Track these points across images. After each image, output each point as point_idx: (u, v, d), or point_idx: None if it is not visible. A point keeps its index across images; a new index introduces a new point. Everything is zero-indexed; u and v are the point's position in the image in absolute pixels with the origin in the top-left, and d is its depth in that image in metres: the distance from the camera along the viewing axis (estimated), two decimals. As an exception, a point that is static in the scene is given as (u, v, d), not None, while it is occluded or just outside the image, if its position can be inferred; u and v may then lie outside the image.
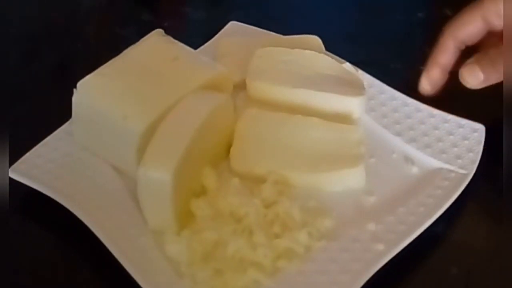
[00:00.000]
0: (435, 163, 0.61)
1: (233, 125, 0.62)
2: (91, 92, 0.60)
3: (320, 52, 0.68)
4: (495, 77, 0.61)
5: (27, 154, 0.61)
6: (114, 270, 0.53)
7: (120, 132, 0.58)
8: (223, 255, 0.53)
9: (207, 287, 0.51)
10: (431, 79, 0.64)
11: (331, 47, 0.70)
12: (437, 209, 0.56)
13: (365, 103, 0.65)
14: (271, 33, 0.74)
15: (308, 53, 0.67)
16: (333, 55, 0.69)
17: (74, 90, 0.59)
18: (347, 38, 0.77)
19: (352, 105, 0.64)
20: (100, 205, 0.57)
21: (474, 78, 0.61)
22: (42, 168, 0.60)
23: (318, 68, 0.66)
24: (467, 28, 0.62)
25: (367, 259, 0.53)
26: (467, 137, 0.63)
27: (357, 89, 0.64)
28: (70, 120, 0.62)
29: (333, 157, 0.59)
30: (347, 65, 0.67)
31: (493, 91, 0.61)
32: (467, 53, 0.64)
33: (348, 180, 0.59)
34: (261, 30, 0.75)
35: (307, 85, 0.64)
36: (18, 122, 0.63)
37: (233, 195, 0.56)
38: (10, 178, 0.58)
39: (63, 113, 0.62)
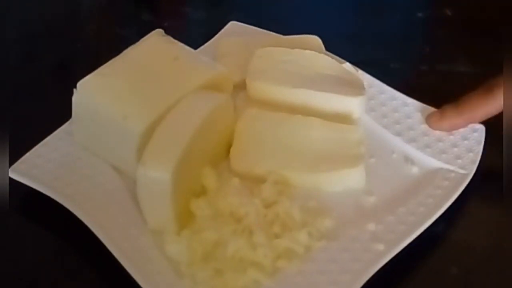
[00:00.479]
0: (435, 163, 0.61)
1: (233, 125, 0.62)
2: (91, 92, 0.60)
3: (320, 52, 0.68)
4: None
5: (27, 154, 0.61)
6: (114, 270, 0.53)
7: (120, 132, 0.58)
8: (223, 255, 0.53)
9: (207, 287, 0.51)
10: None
11: (331, 47, 0.70)
12: (437, 209, 0.56)
13: (365, 103, 0.65)
14: (271, 33, 0.74)
15: (308, 53, 0.67)
16: (333, 55, 0.68)
17: (74, 90, 0.59)
18: (347, 38, 0.77)
19: (352, 105, 0.64)
20: (100, 205, 0.57)
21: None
22: (42, 168, 0.60)
23: (318, 68, 0.66)
24: None
25: (367, 259, 0.53)
26: (467, 137, 0.63)
27: (357, 89, 0.64)
28: (70, 120, 0.62)
29: (333, 157, 0.59)
30: (347, 65, 0.67)
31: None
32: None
33: (348, 180, 0.59)
34: (261, 30, 0.75)
35: (307, 85, 0.64)
36: (18, 122, 0.63)
37: (233, 195, 0.56)
38: (10, 178, 0.58)
39: (63, 113, 0.62)
